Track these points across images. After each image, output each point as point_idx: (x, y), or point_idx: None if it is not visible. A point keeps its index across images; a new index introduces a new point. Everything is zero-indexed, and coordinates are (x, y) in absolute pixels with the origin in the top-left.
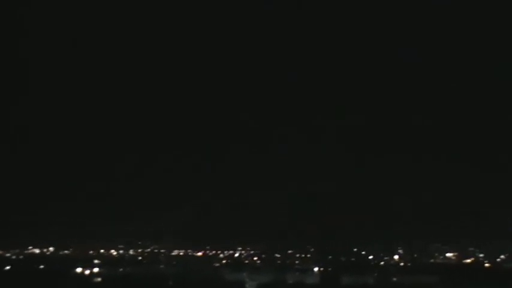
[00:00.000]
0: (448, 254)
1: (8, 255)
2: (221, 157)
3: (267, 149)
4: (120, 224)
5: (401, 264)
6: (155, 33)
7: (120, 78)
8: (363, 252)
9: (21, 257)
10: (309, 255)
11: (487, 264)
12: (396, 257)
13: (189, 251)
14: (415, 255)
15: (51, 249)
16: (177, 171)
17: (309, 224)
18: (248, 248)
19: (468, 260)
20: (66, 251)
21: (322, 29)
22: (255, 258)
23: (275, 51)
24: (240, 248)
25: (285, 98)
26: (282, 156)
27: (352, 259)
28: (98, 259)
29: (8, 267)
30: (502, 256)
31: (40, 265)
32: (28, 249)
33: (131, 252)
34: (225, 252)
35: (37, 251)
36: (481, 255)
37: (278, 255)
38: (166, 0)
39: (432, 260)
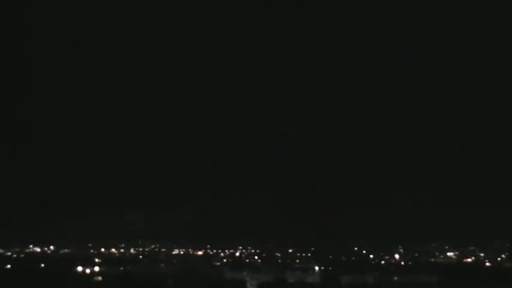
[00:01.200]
0: (448, 253)
1: (9, 253)
2: (221, 157)
3: (267, 149)
4: (121, 223)
5: (402, 263)
6: (155, 33)
7: (120, 78)
8: (364, 252)
9: (21, 255)
10: (309, 254)
11: (487, 264)
12: (397, 256)
13: (189, 249)
14: (416, 254)
15: (52, 248)
16: (177, 171)
17: (309, 223)
18: (249, 247)
19: (469, 259)
20: (66, 250)
21: (322, 29)
22: (256, 257)
23: (275, 51)
24: (240, 247)
25: (285, 98)
26: (282, 156)
27: (353, 258)
28: (98, 258)
29: (8, 266)
30: (503, 255)
31: (41, 264)
32: (29, 248)
33: (132, 251)
34: (226, 251)
35: (38, 249)
36: (482, 254)
37: (278, 254)
38: (167, 0)
39: (433, 259)
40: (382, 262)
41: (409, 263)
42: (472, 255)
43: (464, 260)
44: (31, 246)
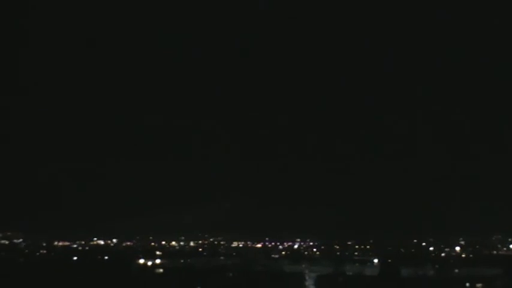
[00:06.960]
0: (511, 246)
1: (75, 246)
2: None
3: None
4: (179, 216)
5: (463, 255)
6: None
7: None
8: (423, 244)
9: (86, 248)
10: (368, 247)
11: None
12: (458, 248)
13: (248, 242)
14: (477, 247)
15: (114, 240)
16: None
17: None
18: (307, 240)
19: None
20: (129, 243)
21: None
22: (314, 250)
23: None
24: (298, 240)
25: None
26: None
27: (412, 250)
28: (159, 250)
29: (75, 258)
30: None
31: (104, 256)
32: (93, 241)
33: (192, 243)
34: (284, 243)
35: (101, 242)
36: None
37: (337, 247)
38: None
39: (495, 252)
40: (443, 254)
41: (470, 255)
42: None
43: None
44: (95, 239)
